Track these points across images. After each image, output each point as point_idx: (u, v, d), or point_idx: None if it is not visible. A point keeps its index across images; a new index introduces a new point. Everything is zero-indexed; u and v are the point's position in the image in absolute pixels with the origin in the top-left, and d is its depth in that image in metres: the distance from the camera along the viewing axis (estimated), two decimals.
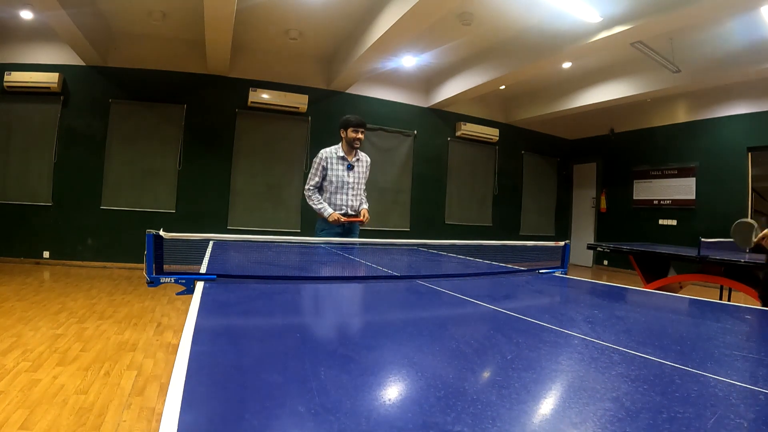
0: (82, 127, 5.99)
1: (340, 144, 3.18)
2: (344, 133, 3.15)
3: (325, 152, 3.15)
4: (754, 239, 2.36)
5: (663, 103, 7.40)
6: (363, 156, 3.26)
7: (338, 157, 3.14)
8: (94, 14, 5.32)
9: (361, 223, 3.19)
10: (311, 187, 3.15)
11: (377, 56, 5.50)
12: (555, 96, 7.45)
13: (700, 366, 0.70)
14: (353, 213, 3.17)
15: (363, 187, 3.27)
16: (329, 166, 3.13)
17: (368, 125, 7.09)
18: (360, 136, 3.13)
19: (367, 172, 3.30)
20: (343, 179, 3.13)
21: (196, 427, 0.43)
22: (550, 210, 9.16)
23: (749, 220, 2.53)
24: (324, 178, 3.14)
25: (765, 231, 2.21)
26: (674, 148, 7.44)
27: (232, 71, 6.42)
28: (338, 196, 3.14)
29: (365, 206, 3.24)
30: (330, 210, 3.09)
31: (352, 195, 3.17)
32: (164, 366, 2.52)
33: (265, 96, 6.45)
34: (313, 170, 3.15)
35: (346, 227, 3.16)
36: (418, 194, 7.55)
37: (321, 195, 3.17)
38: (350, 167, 3.16)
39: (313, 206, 3.14)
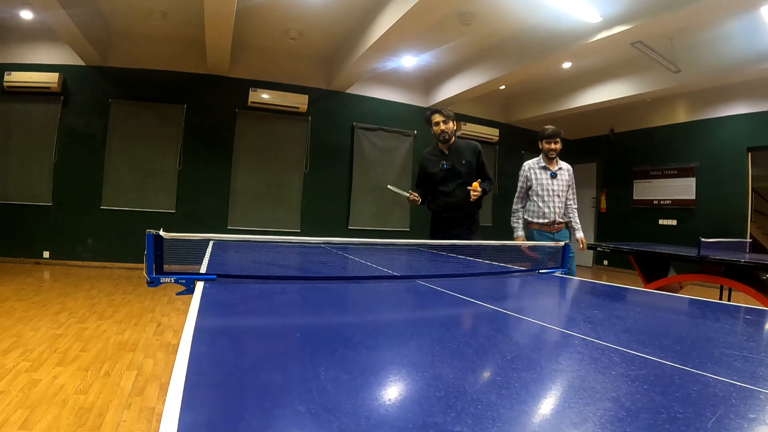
0: (82, 127, 5.99)
1: (541, 156, 3.35)
2: (540, 144, 3.33)
3: (527, 163, 3.36)
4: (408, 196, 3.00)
5: (663, 103, 7.40)
6: (565, 165, 3.36)
7: (540, 167, 3.30)
8: (94, 14, 5.32)
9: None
10: (515, 199, 3.37)
11: (377, 56, 5.50)
12: (555, 96, 7.45)
13: (700, 366, 0.70)
14: (561, 220, 3.27)
15: (566, 195, 3.31)
16: (532, 176, 3.30)
17: (368, 125, 7.15)
18: (554, 146, 3.25)
19: (572, 181, 3.36)
20: (547, 187, 3.26)
21: (196, 427, 0.43)
22: None
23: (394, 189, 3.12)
24: (529, 188, 3.31)
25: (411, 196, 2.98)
26: (674, 148, 7.44)
27: (232, 71, 6.42)
28: (544, 205, 3.27)
29: (580, 233, 3.30)
30: (519, 233, 3.31)
31: (559, 203, 3.26)
32: (164, 366, 2.52)
33: (265, 96, 6.45)
34: (518, 183, 3.40)
35: (549, 236, 3.26)
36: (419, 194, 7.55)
37: (527, 205, 3.34)
38: (553, 175, 3.27)
39: (511, 223, 3.37)
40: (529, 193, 3.30)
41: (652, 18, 4.13)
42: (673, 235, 7.19)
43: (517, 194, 3.36)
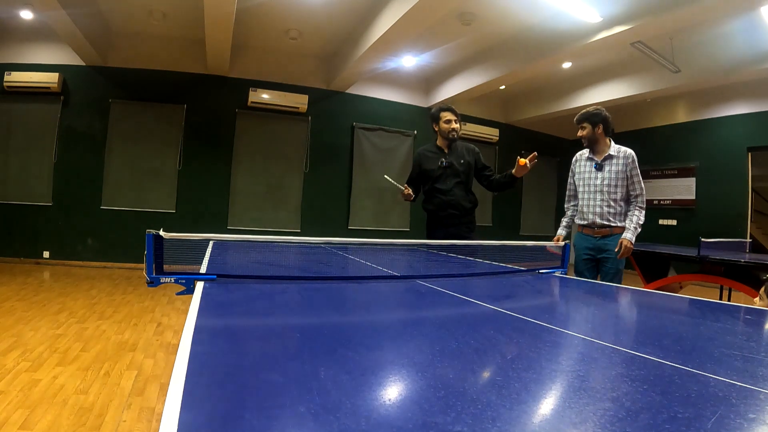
0: (82, 127, 5.99)
1: None
2: None
3: (576, 155, 2.82)
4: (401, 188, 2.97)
5: (663, 103, 7.40)
6: (621, 152, 2.61)
7: (585, 158, 2.75)
8: (94, 14, 5.32)
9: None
10: (565, 197, 2.93)
11: (377, 56, 5.50)
12: (555, 96, 7.45)
13: (700, 366, 0.70)
14: (604, 223, 2.62)
15: (620, 191, 2.60)
16: (576, 169, 2.79)
17: (368, 125, 7.15)
18: (579, 133, 2.70)
19: (630, 171, 2.58)
20: (588, 182, 2.70)
21: (196, 427, 0.43)
22: (550, 210, 9.16)
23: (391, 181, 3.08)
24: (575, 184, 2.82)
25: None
26: (674, 148, 7.44)
27: (232, 71, 6.42)
28: (584, 203, 2.71)
29: (627, 234, 2.53)
30: (558, 232, 2.81)
31: (600, 200, 2.63)
32: (164, 366, 2.52)
33: (265, 96, 6.45)
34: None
35: (594, 246, 2.65)
36: None
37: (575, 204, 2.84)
38: (597, 167, 2.66)
39: None
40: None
41: (652, 18, 4.13)
42: (673, 235, 7.18)
43: (566, 194, 2.93)
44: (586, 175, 2.70)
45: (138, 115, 6.16)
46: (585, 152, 2.77)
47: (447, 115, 2.93)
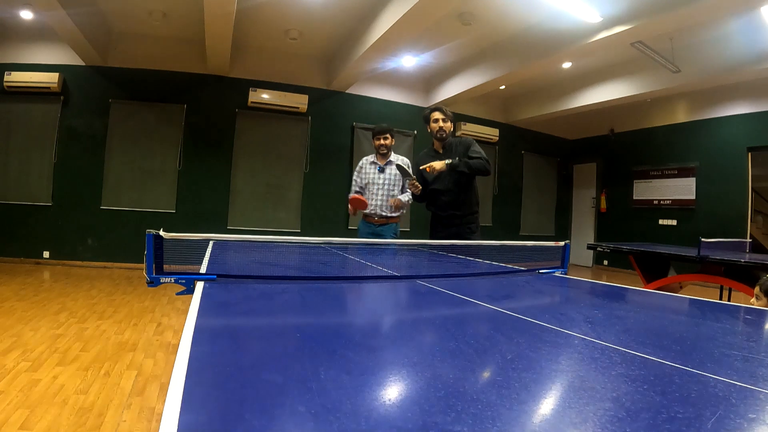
0: (82, 127, 5.99)
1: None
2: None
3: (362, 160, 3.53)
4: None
5: (663, 103, 7.40)
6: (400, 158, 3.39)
7: (370, 162, 3.46)
8: (94, 14, 5.32)
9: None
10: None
11: (377, 56, 5.50)
12: (555, 96, 7.45)
13: (700, 366, 0.70)
14: (383, 214, 3.35)
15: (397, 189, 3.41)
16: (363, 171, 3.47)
17: (368, 125, 7.15)
18: (382, 142, 3.35)
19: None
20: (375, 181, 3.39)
21: (196, 427, 0.43)
22: (550, 210, 9.15)
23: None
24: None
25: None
26: (674, 148, 7.44)
27: (232, 71, 6.42)
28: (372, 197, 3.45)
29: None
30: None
31: (382, 196, 3.35)
32: (164, 366, 2.53)
33: (265, 96, 6.45)
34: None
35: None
36: None
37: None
38: (381, 170, 3.37)
39: None
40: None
41: (652, 18, 4.13)
42: (673, 235, 7.18)
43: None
44: (371, 176, 3.34)
45: (138, 115, 6.16)
46: (370, 158, 3.43)
47: (435, 115, 2.97)
